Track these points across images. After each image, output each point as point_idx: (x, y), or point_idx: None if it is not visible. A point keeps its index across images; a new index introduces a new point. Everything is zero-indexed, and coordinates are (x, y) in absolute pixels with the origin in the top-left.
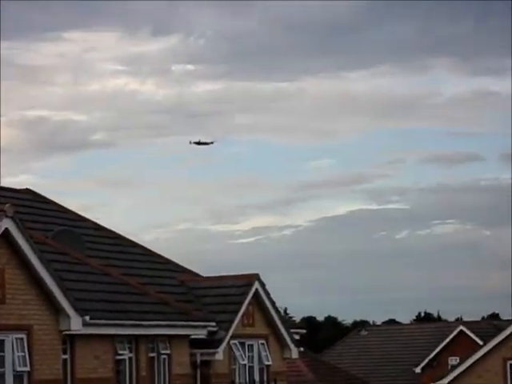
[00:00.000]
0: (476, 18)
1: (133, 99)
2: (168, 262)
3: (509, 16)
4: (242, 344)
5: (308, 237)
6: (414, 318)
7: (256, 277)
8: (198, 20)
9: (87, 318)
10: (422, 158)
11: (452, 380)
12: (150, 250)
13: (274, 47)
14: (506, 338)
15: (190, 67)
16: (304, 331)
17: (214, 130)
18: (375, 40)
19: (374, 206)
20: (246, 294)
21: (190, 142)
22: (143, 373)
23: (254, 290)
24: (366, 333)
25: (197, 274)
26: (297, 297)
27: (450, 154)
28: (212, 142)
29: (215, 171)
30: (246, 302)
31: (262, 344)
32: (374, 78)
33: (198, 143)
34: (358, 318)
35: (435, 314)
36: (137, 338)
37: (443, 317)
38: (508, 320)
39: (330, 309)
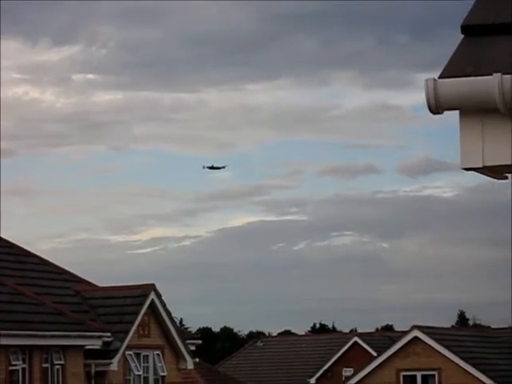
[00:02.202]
0: (377, 34)
1: (33, 108)
2: (63, 271)
3: (408, 32)
4: (138, 355)
5: (207, 248)
6: (310, 329)
7: (152, 287)
8: (101, 30)
9: None
10: (321, 170)
11: None
12: (45, 260)
13: (175, 58)
14: (400, 349)
15: (91, 77)
16: (200, 342)
17: (115, 139)
18: (277, 53)
19: (273, 218)
20: (141, 304)
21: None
22: (37, 383)
23: (149, 300)
24: (262, 344)
25: (93, 284)
26: (193, 307)
27: (349, 166)
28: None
29: (115, 181)
30: (142, 312)
31: (158, 355)
32: (275, 91)
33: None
34: (254, 329)
35: (330, 326)
36: (31, 348)
37: (338, 328)
38: (402, 331)
39: (227, 320)
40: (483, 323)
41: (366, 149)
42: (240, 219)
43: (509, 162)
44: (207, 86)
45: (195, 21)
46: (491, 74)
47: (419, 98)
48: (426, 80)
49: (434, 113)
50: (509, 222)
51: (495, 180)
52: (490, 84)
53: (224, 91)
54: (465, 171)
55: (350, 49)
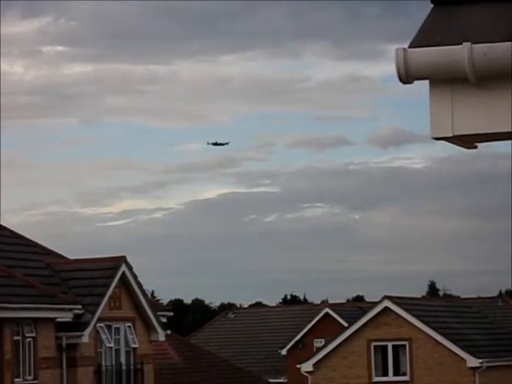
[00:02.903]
0: (348, 5)
1: (2, 81)
2: (34, 244)
3: (379, 3)
4: (109, 327)
5: (178, 220)
6: (281, 300)
7: (123, 259)
8: (70, 1)
9: None
10: (292, 142)
11: (317, 361)
12: (15, 233)
13: (146, 30)
14: (371, 319)
15: (61, 49)
16: (171, 314)
17: (87, 112)
18: (248, 25)
19: (244, 190)
20: (112, 276)
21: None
22: (8, 356)
23: (120, 272)
24: (233, 316)
25: (64, 257)
26: (164, 280)
27: (320, 138)
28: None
29: (87, 154)
30: (113, 284)
31: (129, 327)
32: (246, 62)
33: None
34: (226, 301)
35: (301, 297)
36: (2, 320)
37: (309, 299)
38: (372, 302)
39: (198, 291)
40: (453, 293)
41: (337, 120)
42: (211, 191)
43: (478, 131)
44: (179, 57)
45: None
46: (461, 44)
47: (390, 69)
48: (396, 49)
49: (404, 82)
50: (479, 193)
51: (465, 150)
52: (459, 53)
53: (195, 63)
54: (435, 141)
55: (321, 20)
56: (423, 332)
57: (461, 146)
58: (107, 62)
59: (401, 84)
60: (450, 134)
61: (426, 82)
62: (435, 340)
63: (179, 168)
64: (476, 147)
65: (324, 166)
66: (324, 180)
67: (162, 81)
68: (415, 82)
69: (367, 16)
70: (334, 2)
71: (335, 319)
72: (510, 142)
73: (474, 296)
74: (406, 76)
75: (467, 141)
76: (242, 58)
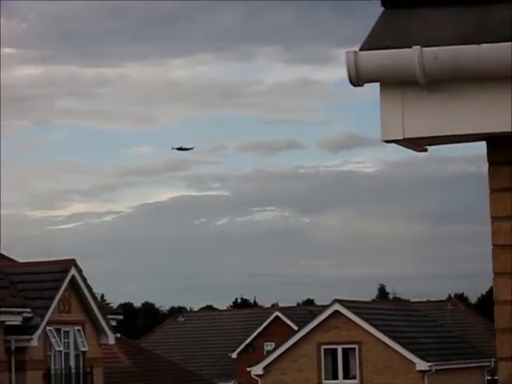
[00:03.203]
0: (298, 8)
1: None
2: None
3: (330, 7)
4: (58, 330)
5: (128, 223)
6: (231, 304)
7: (72, 262)
8: (20, 3)
9: None
10: (242, 146)
11: (267, 365)
12: None
13: (97, 32)
14: (321, 323)
15: (11, 51)
16: (121, 317)
17: (37, 114)
18: (198, 27)
19: (195, 193)
20: (62, 279)
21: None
22: None
23: (70, 275)
24: (183, 319)
25: (12, 260)
26: (114, 283)
27: (270, 141)
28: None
29: (36, 156)
30: (63, 288)
31: (78, 330)
32: (196, 66)
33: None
34: (176, 305)
35: (252, 300)
36: None
37: (259, 303)
38: (323, 305)
39: (148, 295)
40: (403, 297)
41: (287, 124)
42: (162, 194)
43: (428, 134)
44: (129, 60)
45: None
46: (411, 47)
47: (341, 73)
48: (347, 52)
49: (354, 85)
50: (428, 197)
51: (416, 153)
52: (409, 56)
53: (146, 66)
54: (386, 145)
55: (272, 23)
56: (373, 335)
57: (411, 148)
58: (58, 64)
59: (352, 88)
60: (401, 137)
61: (377, 86)
62: (385, 343)
63: (129, 171)
64: (426, 150)
65: (274, 169)
66: (274, 183)
67: (113, 83)
68: (366, 86)
69: (319, 19)
70: (285, 4)
71: (285, 323)
72: (459, 145)
73: (424, 299)
74: (357, 79)
75: (417, 144)
76: (192, 62)
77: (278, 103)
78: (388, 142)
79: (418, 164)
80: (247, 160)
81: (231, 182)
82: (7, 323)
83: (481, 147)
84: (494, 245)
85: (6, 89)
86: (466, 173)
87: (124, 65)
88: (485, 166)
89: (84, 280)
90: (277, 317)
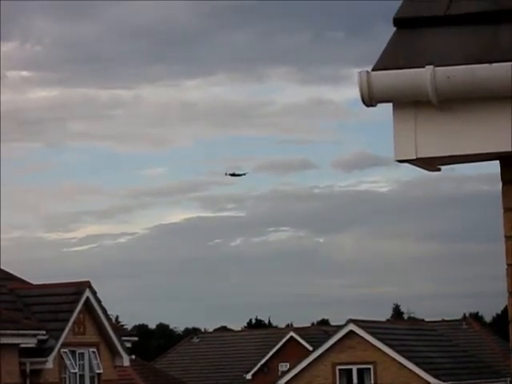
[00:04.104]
0: (313, 29)
1: None
2: None
3: (344, 27)
4: (73, 352)
5: (143, 244)
6: (246, 324)
7: (87, 284)
8: (36, 26)
9: None
10: (257, 166)
11: None
12: None
13: (111, 54)
14: (335, 343)
15: (26, 73)
16: (136, 339)
17: (51, 136)
18: (212, 48)
19: (210, 214)
20: (76, 301)
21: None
22: None
23: (84, 297)
24: (198, 340)
25: (27, 282)
26: (129, 304)
27: (285, 161)
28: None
29: (51, 178)
30: (77, 310)
31: (93, 352)
32: (211, 87)
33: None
34: (190, 326)
35: (266, 321)
36: None
37: (274, 323)
38: (337, 326)
39: (162, 316)
40: (417, 316)
41: (301, 144)
42: (177, 215)
43: (441, 154)
44: (143, 82)
45: (131, 15)
46: (424, 67)
47: (355, 93)
48: (360, 72)
49: (367, 105)
50: (443, 216)
51: (429, 173)
52: (422, 76)
53: (160, 87)
54: (399, 165)
55: (285, 44)
56: (388, 355)
57: (424, 168)
58: (72, 86)
59: (365, 107)
60: (414, 157)
61: (390, 105)
62: (400, 363)
63: (144, 192)
64: (439, 170)
65: (289, 189)
66: (289, 204)
67: (127, 105)
68: (379, 105)
69: (332, 40)
70: (298, 25)
71: (300, 343)
72: (473, 164)
73: (438, 319)
74: (370, 99)
75: (430, 163)
76: (207, 83)
77: (292, 123)
78: (401, 161)
79: (431, 183)
80: (262, 180)
81: (246, 202)
82: (22, 346)
83: (495, 166)
84: (508, 264)
85: (20, 112)
86: (479, 192)
87: (138, 86)
88: (498, 185)
89: (98, 302)
90: (291, 337)
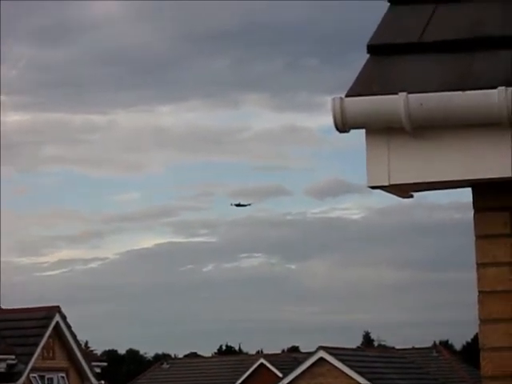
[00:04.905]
0: (287, 56)
1: None
2: None
3: (318, 55)
4: (42, 377)
5: (114, 270)
6: (216, 351)
7: (57, 309)
8: (11, 50)
9: None
10: (230, 192)
11: None
12: None
13: (85, 79)
14: (305, 370)
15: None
16: (105, 364)
17: (24, 160)
18: (187, 74)
19: (182, 239)
20: (46, 326)
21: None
22: None
23: (54, 322)
24: (168, 366)
25: None
26: (99, 330)
27: (258, 188)
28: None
29: (24, 202)
30: (47, 334)
31: (62, 377)
32: (185, 112)
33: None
34: (160, 352)
35: (237, 347)
36: None
37: (244, 350)
38: (308, 352)
39: (132, 342)
40: (388, 344)
41: (275, 171)
42: (149, 241)
43: (414, 181)
44: (117, 107)
45: (106, 40)
46: (397, 93)
47: (328, 120)
48: (333, 98)
49: (340, 131)
50: (414, 244)
51: (402, 200)
52: (395, 103)
53: (134, 112)
54: (372, 192)
55: (260, 71)
56: (358, 382)
57: (397, 195)
58: (46, 110)
59: (338, 134)
60: (387, 183)
61: (363, 132)
62: None
63: (116, 218)
64: (412, 196)
65: (262, 215)
66: (262, 230)
67: (101, 130)
68: (352, 133)
69: (306, 67)
70: (273, 52)
71: (270, 370)
72: (445, 192)
73: (409, 347)
74: (343, 125)
75: (403, 190)
76: (180, 108)
77: (266, 150)
78: (374, 188)
79: (404, 211)
80: (235, 206)
81: (218, 228)
82: None
83: (467, 194)
84: (479, 291)
85: None
86: (452, 220)
87: (112, 111)
88: (470, 213)
89: (68, 327)
90: (262, 364)
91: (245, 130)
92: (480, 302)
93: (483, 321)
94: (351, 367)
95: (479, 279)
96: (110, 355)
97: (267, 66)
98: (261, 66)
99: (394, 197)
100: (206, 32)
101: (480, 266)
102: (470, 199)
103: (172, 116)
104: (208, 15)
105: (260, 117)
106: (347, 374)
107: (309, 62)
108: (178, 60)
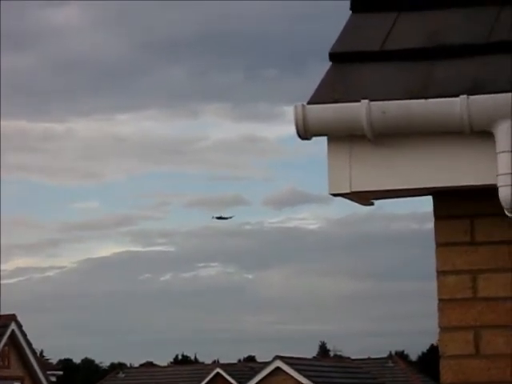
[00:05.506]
0: (247, 67)
1: None
2: None
3: (278, 65)
4: None
5: (72, 278)
6: (172, 360)
7: (13, 318)
8: None
9: None
10: (188, 202)
11: None
12: None
13: (44, 87)
14: (262, 380)
15: None
16: (61, 373)
17: None
18: (146, 83)
19: (140, 248)
20: (1, 335)
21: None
22: None
23: (10, 331)
24: (124, 375)
25: None
26: (54, 338)
27: (216, 197)
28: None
29: None
30: (2, 343)
31: None
32: (143, 121)
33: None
34: (116, 361)
35: (192, 357)
36: None
37: (200, 359)
38: (264, 362)
39: (88, 351)
40: (344, 354)
41: (233, 180)
42: (106, 249)
43: (375, 188)
44: (76, 115)
45: (65, 47)
46: (359, 101)
47: (287, 130)
48: (295, 105)
49: (302, 138)
50: (371, 254)
51: (359, 211)
52: (357, 111)
53: (92, 121)
54: (329, 202)
55: (220, 81)
56: None
57: (358, 202)
58: (4, 119)
59: (297, 145)
60: (348, 190)
61: (324, 142)
62: None
63: (74, 226)
64: (373, 204)
65: (220, 225)
66: (220, 240)
67: (59, 138)
68: (313, 142)
69: (266, 77)
70: (232, 63)
71: (226, 379)
72: (403, 202)
73: (365, 357)
74: (305, 132)
75: (364, 197)
76: (139, 117)
77: (224, 159)
78: (335, 195)
79: (361, 221)
80: (193, 216)
81: (176, 237)
82: None
83: (425, 203)
84: (439, 299)
85: None
86: (409, 230)
87: (70, 120)
88: (427, 224)
89: (24, 335)
90: (218, 373)
91: (203, 139)
92: (440, 309)
93: (443, 329)
94: (307, 377)
95: (439, 287)
96: (66, 364)
97: (227, 76)
98: (221, 75)
99: (351, 207)
100: (167, 41)
101: (440, 273)
102: (428, 209)
103: (130, 125)
104: (168, 24)
105: (219, 127)
106: None
107: (268, 71)
108: (137, 69)
